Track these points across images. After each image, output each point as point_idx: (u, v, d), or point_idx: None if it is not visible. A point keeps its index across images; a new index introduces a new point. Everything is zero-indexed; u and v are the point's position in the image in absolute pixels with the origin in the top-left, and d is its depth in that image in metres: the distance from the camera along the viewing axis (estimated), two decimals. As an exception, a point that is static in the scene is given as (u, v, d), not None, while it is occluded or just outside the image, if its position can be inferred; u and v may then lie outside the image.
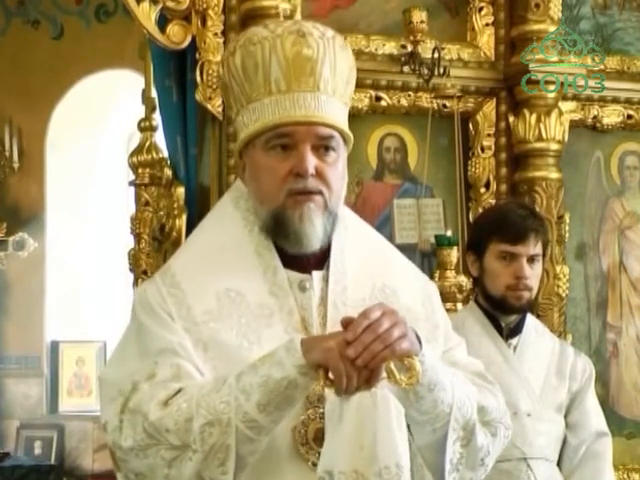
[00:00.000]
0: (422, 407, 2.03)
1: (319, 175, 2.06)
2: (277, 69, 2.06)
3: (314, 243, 2.08)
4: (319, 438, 2.00)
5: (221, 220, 2.20)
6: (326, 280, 2.13)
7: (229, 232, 2.16)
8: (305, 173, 2.04)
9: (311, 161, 2.05)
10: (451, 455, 2.08)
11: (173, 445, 1.94)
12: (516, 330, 3.28)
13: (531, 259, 3.20)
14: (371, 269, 2.18)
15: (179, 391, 1.98)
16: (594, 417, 3.35)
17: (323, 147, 2.07)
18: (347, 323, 1.92)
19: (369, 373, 1.89)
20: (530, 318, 3.36)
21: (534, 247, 3.19)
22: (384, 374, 1.92)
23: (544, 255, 3.31)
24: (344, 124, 2.12)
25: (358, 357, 1.87)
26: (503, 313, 3.25)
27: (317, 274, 2.13)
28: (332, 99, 2.09)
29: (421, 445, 2.08)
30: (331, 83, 2.08)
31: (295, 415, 2.00)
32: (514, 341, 3.28)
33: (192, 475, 1.94)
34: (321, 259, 2.13)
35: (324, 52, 2.07)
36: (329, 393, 1.98)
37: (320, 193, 2.06)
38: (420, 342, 1.98)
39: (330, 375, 1.90)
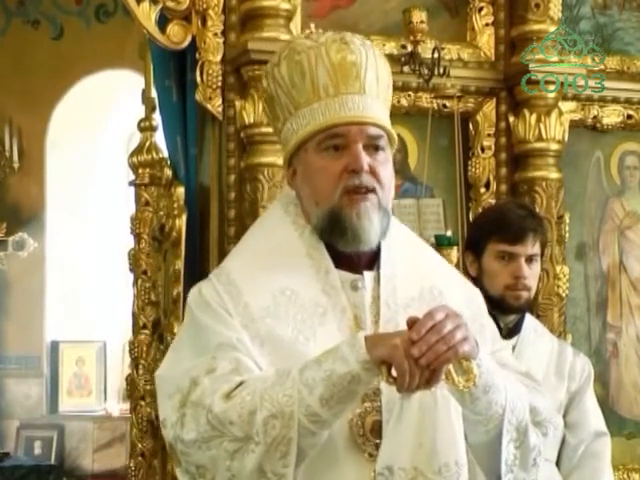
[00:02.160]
0: (476, 408, 2.07)
1: (372, 173, 2.12)
2: (324, 75, 2.13)
3: (372, 240, 2.14)
4: (375, 430, 2.06)
5: (272, 224, 2.26)
6: (377, 280, 2.18)
7: (280, 235, 2.21)
8: (360, 169, 2.10)
9: (365, 159, 2.11)
10: (506, 456, 2.12)
11: (236, 437, 1.98)
12: (515, 330, 3.28)
13: (530, 259, 3.20)
14: (419, 270, 2.24)
15: (240, 384, 2.01)
16: (593, 417, 3.35)
17: (373, 146, 2.14)
18: (412, 323, 1.96)
19: (430, 373, 1.93)
20: (529, 318, 3.36)
21: (532, 247, 3.19)
22: (443, 376, 1.96)
23: (542, 255, 3.31)
24: (389, 125, 2.19)
25: (422, 356, 1.91)
26: (502, 313, 3.25)
27: (368, 274, 2.18)
28: (377, 101, 2.17)
29: (473, 444, 2.12)
30: (375, 87, 2.16)
31: (352, 408, 2.04)
32: (513, 341, 3.28)
33: (254, 467, 1.98)
34: (370, 260, 2.18)
35: (366, 58, 2.15)
36: (386, 387, 2.02)
37: (374, 191, 2.12)
38: (478, 346, 2.02)
39: (393, 372, 1.94)
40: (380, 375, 1.96)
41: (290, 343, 2.08)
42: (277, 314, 2.10)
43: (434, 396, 1.99)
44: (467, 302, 2.27)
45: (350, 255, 2.15)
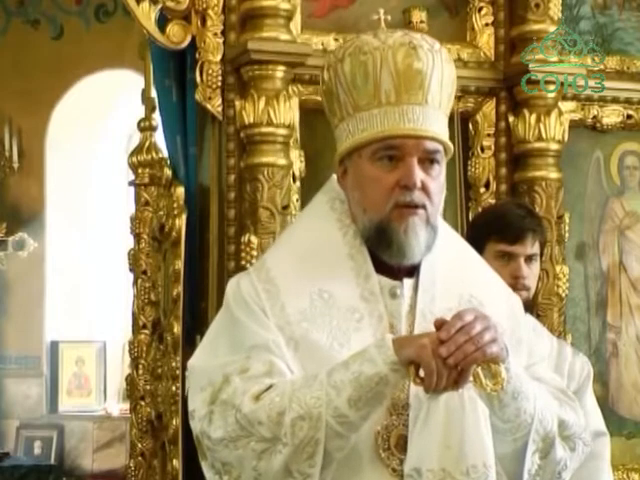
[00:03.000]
0: (505, 415, 2.07)
1: (423, 189, 2.11)
2: (388, 80, 2.11)
3: (417, 256, 2.14)
4: (400, 445, 2.06)
5: (316, 220, 2.24)
6: (415, 289, 2.17)
7: (324, 233, 2.20)
8: (413, 186, 2.09)
9: (418, 175, 2.10)
10: (529, 466, 2.13)
11: (264, 437, 1.99)
12: (515, 330, 3.29)
13: (529, 259, 3.20)
14: (459, 280, 2.23)
15: (270, 387, 2.02)
16: (592, 417, 3.34)
17: (428, 160, 2.12)
18: (440, 324, 1.96)
19: (458, 374, 1.94)
20: (528, 318, 3.35)
21: (532, 247, 3.19)
22: (471, 378, 1.96)
23: (542, 255, 3.31)
24: (447, 137, 2.17)
25: (450, 356, 1.91)
26: (501, 313, 3.25)
27: (408, 282, 2.17)
28: (438, 112, 2.15)
29: (500, 454, 2.11)
30: (438, 96, 2.14)
31: (379, 420, 2.05)
32: (512, 341, 3.28)
33: (281, 468, 1.99)
34: (411, 267, 2.17)
35: (433, 65, 2.12)
36: (414, 400, 2.03)
37: (424, 207, 2.12)
38: (507, 350, 2.02)
39: (420, 373, 1.94)
40: (408, 376, 1.97)
41: (324, 349, 2.08)
42: (313, 318, 2.10)
43: (461, 398, 1.99)
44: (507, 313, 2.26)
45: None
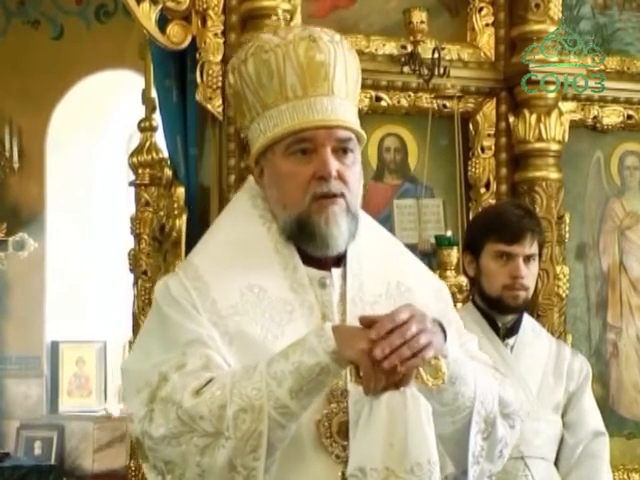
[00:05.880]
0: (443, 399, 2.07)
1: (340, 178, 2.10)
2: (292, 75, 2.11)
3: (340, 245, 2.13)
4: (342, 431, 2.05)
5: (239, 218, 2.24)
6: (344, 277, 2.17)
7: (248, 229, 2.20)
8: (329, 176, 2.08)
9: (333, 164, 2.09)
10: (473, 447, 2.12)
11: (207, 432, 1.96)
12: (513, 330, 3.29)
13: (527, 259, 3.20)
14: (386, 267, 2.23)
15: (210, 380, 2.00)
16: (591, 417, 3.35)
17: (342, 149, 2.12)
18: (367, 322, 1.95)
19: (399, 377, 1.93)
20: (527, 318, 3.36)
21: (530, 247, 3.20)
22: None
23: (540, 255, 3.32)
24: (358, 125, 2.16)
25: (385, 359, 1.90)
26: (500, 313, 3.26)
27: (336, 271, 2.17)
28: (345, 101, 2.14)
29: (440, 435, 2.09)
30: (344, 86, 2.14)
31: (319, 409, 2.04)
32: (511, 341, 3.28)
33: (225, 462, 1.97)
34: (338, 257, 2.17)
35: (335, 56, 2.12)
36: (352, 388, 2.02)
37: (342, 196, 2.10)
38: (445, 335, 2.02)
39: (361, 373, 1.94)
40: (350, 376, 1.96)
41: (259, 342, 2.07)
42: (245, 311, 2.09)
43: (403, 396, 1.96)
44: (435, 297, 2.26)
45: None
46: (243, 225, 2.21)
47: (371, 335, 1.91)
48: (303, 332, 2.03)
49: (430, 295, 2.24)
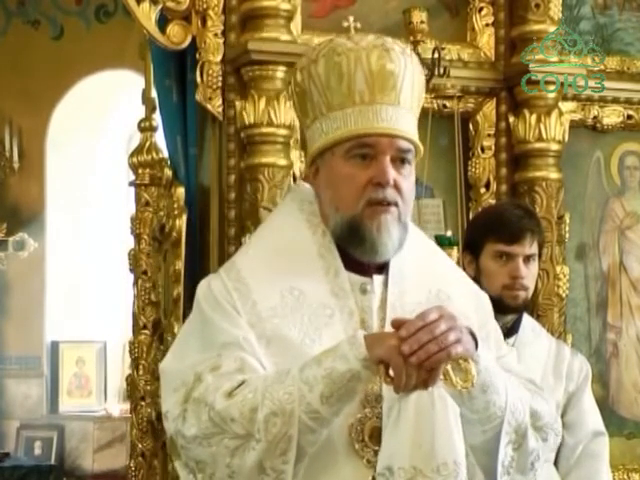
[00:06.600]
0: (474, 406, 2.08)
1: (396, 187, 2.13)
2: (362, 81, 2.13)
3: (389, 253, 2.16)
4: (375, 436, 2.07)
5: (285, 221, 2.27)
6: (385, 284, 2.19)
7: (293, 233, 2.22)
8: (386, 184, 2.11)
9: (391, 173, 2.12)
10: (503, 457, 2.13)
11: (237, 434, 1.99)
12: (513, 330, 3.29)
13: (527, 259, 3.20)
14: (427, 275, 2.25)
15: (243, 383, 2.03)
16: (591, 417, 3.35)
17: (400, 159, 2.15)
18: (398, 324, 1.97)
19: (427, 374, 1.95)
20: (526, 318, 3.37)
21: (530, 247, 3.20)
22: (441, 376, 1.97)
23: (540, 255, 3.32)
24: (417, 138, 2.19)
25: (413, 354, 1.92)
26: (499, 313, 3.23)
27: (378, 278, 2.19)
28: (409, 114, 2.18)
29: (471, 444, 2.12)
30: (409, 98, 2.17)
31: (352, 413, 2.06)
32: (511, 341, 3.28)
33: (254, 464, 1.99)
34: (380, 264, 2.19)
35: (405, 68, 2.16)
36: (387, 393, 2.05)
37: (396, 205, 2.13)
38: (477, 343, 2.04)
39: (390, 372, 1.96)
40: (378, 374, 1.98)
41: (296, 345, 2.09)
42: (284, 314, 2.11)
43: (431, 396, 2.00)
44: (475, 308, 2.28)
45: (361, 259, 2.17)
46: (288, 228, 2.24)
47: (401, 333, 1.94)
48: (341, 337, 2.05)
49: (470, 305, 2.26)
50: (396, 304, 2.17)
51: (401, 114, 2.15)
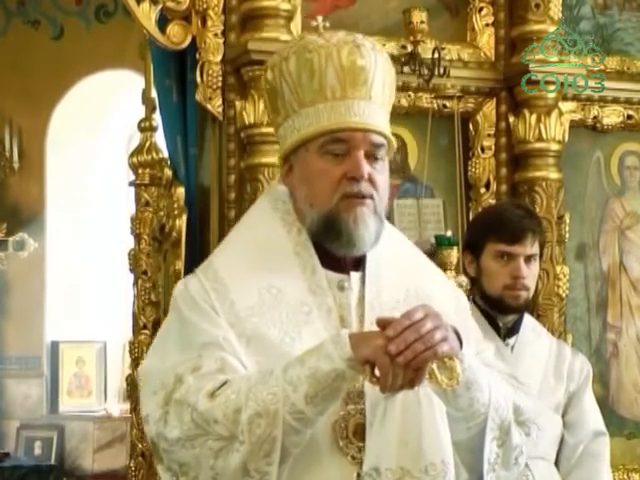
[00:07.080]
0: (458, 404, 2.08)
1: (370, 180, 2.13)
2: (333, 76, 2.13)
3: (366, 246, 2.15)
4: (359, 433, 2.06)
5: (260, 220, 2.26)
6: (363, 281, 2.19)
7: (268, 232, 2.22)
8: (361, 177, 2.11)
9: (365, 167, 2.12)
10: (488, 454, 2.13)
11: (221, 436, 1.98)
12: (513, 330, 3.29)
13: (528, 259, 3.20)
14: (405, 273, 2.24)
15: (225, 383, 2.01)
16: (591, 417, 3.35)
17: (373, 156, 2.14)
18: (384, 323, 1.96)
19: (413, 373, 1.94)
20: (527, 318, 3.36)
21: (531, 247, 3.20)
22: (427, 375, 1.96)
23: (541, 255, 3.32)
24: (390, 134, 2.19)
25: (400, 354, 1.92)
26: (501, 313, 3.26)
27: (355, 275, 2.19)
28: (382, 109, 2.18)
29: (455, 442, 2.11)
30: (381, 93, 2.17)
31: (336, 410, 2.05)
32: (511, 341, 3.28)
33: (238, 466, 1.98)
34: (357, 261, 2.19)
35: (376, 63, 2.16)
36: (369, 390, 2.04)
37: (371, 197, 2.13)
38: (461, 341, 2.03)
39: (376, 372, 1.94)
40: (364, 374, 1.97)
41: (276, 344, 2.08)
42: (262, 313, 2.10)
43: (417, 396, 1.99)
44: (454, 305, 2.27)
45: (337, 255, 2.17)
46: (263, 227, 2.23)
47: (388, 333, 1.93)
48: (320, 334, 2.05)
49: (450, 303, 2.25)
50: (374, 302, 2.16)
51: (373, 109, 2.15)
